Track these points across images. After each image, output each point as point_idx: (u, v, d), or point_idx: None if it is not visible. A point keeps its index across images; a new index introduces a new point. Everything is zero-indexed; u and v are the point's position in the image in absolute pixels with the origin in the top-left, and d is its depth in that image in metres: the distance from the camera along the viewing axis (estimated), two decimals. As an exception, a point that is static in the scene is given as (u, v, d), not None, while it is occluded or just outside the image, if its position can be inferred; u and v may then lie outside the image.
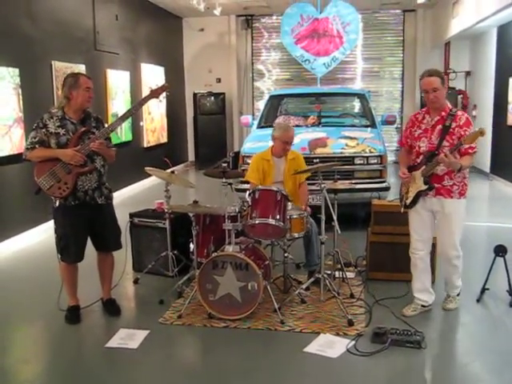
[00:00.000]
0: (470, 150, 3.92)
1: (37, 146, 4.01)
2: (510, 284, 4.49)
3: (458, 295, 4.32)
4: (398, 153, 4.50)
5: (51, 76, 7.19)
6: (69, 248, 4.13)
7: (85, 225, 4.15)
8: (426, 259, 4.25)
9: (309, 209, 4.69)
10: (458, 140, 3.88)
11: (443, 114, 3.98)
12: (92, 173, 4.08)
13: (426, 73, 4.00)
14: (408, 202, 4.15)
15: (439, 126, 3.97)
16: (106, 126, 4.17)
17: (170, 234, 4.96)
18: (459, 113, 3.98)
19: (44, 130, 4.01)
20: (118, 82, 9.40)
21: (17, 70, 6.39)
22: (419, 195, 4.08)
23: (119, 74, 9.52)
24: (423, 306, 4.28)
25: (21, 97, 6.45)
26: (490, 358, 3.59)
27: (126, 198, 9.11)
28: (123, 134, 9.44)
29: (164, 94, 4.31)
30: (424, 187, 4.04)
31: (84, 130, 4.04)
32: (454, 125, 3.93)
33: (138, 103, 4.39)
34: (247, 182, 5.28)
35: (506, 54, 9.88)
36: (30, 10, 6.85)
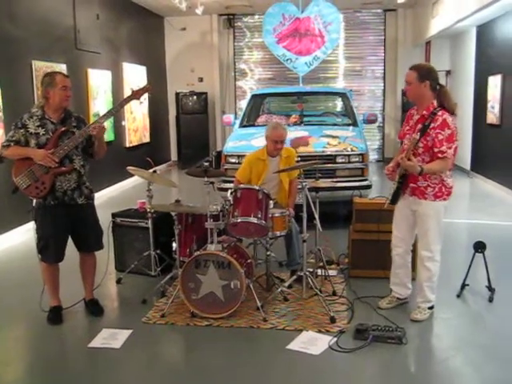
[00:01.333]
0: (439, 155, 3.81)
1: (12, 144, 4.01)
2: (489, 280, 4.56)
3: (429, 308, 4.15)
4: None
5: (31, 75, 7.13)
6: (48, 248, 4.11)
7: (65, 225, 4.13)
8: (404, 256, 4.26)
9: (292, 211, 4.69)
10: (432, 142, 3.83)
11: (425, 112, 3.90)
12: (71, 173, 4.05)
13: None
14: (390, 198, 4.14)
15: (419, 125, 3.92)
16: (83, 128, 4.13)
17: (152, 233, 4.96)
18: (439, 113, 3.84)
19: (22, 131, 3.99)
20: (99, 81, 9.34)
21: (-4, 70, 6.33)
22: (397, 193, 4.07)
23: (100, 73, 9.46)
24: (398, 298, 4.34)
25: (0, 96, 6.39)
26: (470, 353, 3.65)
27: (109, 198, 9.08)
28: (105, 133, 9.36)
29: (145, 96, 4.29)
30: (395, 186, 4.04)
31: (63, 130, 4.01)
32: (432, 125, 3.83)
33: (118, 104, 4.37)
34: (230, 181, 5.28)
35: (486, 53, 10.01)
36: (9, 9, 6.79)
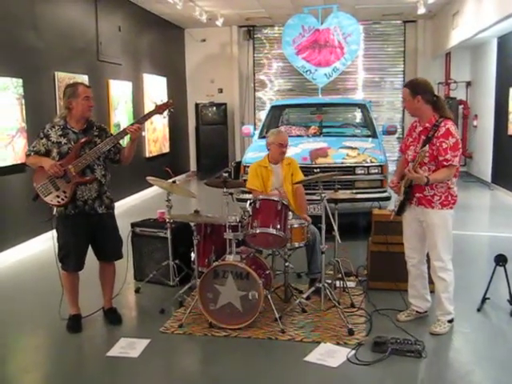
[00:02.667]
0: (444, 163, 3.86)
1: (32, 153, 4.09)
2: (510, 293, 4.50)
3: (449, 322, 4.11)
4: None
5: (54, 86, 7.24)
6: (69, 257, 4.16)
7: (85, 234, 4.17)
8: (419, 266, 4.24)
9: (308, 218, 4.71)
10: (437, 151, 3.87)
11: (427, 125, 3.97)
12: (92, 183, 4.10)
13: None
14: (396, 210, 4.18)
15: (423, 137, 3.98)
16: (110, 136, 4.19)
17: (171, 243, 4.98)
18: (443, 123, 3.90)
19: (44, 140, 4.06)
20: (120, 92, 9.46)
21: (20, 81, 6.44)
22: (403, 204, 4.10)
23: (122, 84, 9.58)
24: (418, 312, 4.31)
25: (24, 107, 6.50)
26: (489, 368, 3.59)
27: (128, 208, 9.14)
28: (124, 144, 9.46)
29: (167, 111, 4.32)
30: (402, 197, 4.08)
31: (85, 140, 4.07)
32: (436, 135, 3.89)
33: (142, 118, 4.35)
34: (249, 192, 5.31)
35: (507, 64, 9.93)
36: (34, 22, 6.92)
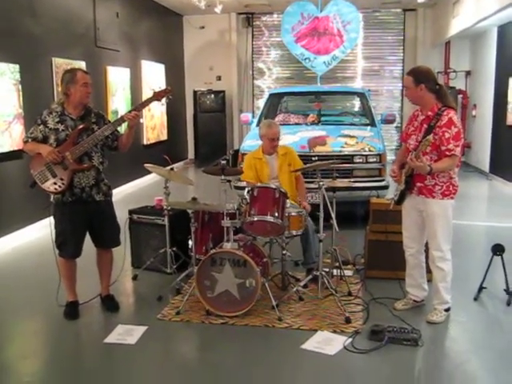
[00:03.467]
0: (447, 153, 3.84)
1: (29, 140, 4.07)
2: (507, 283, 4.51)
3: (446, 311, 4.13)
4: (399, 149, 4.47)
5: (51, 72, 7.20)
6: (66, 244, 4.15)
7: (83, 221, 4.16)
8: (417, 256, 4.25)
9: (308, 206, 4.71)
10: (439, 140, 3.85)
11: (430, 113, 3.94)
12: (89, 170, 4.08)
13: None
14: (396, 199, 4.18)
15: (425, 125, 3.96)
16: (109, 123, 4.17)
17: (168, 230, 4.98)
18: (445, 112, 3.88)
19: (41, 127, 4.03)
20: (118, 78, 9.41)
21: (17, 66, 6.40)
22: (404, 193, 4.09)
23: (119, 70, 9.53)
24: (415, 301, 4.32)
25: (21, 93, 6.46)
26: (486, 357, 3.61)
27: (126, 195, 9.13)
28: (122, 131, 9.42)
29: (166, 98, 4.29)
30: (403, 187, 4.07)
31: (83, 127, 4.04)
32: (438, 124, 3.86)
33: (140, 105, 4.33)
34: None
35: (506, 54, 9.89)
36: (31, 7, 6.86)
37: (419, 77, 3.95)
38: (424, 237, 4.20)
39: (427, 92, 3.94)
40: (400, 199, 4.14)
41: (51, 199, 4.14)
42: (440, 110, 3.91)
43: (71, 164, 3.99)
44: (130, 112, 4.14)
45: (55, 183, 4.01)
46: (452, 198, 3.99)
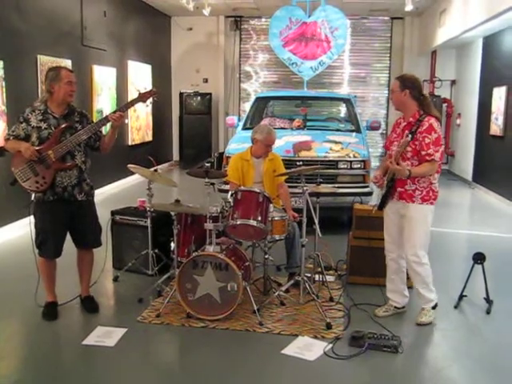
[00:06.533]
0: (427, 157, 3.91)
1: (11, 138, 4.02)
2: (487, 291, 4.55)
3: (433, 308, 4.20)
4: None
5: (36, 70, 7.12)
6: (47, 243, 4.10)
7: (64, 220, 4.11)
8: (398, 261, 4.26)
9: (296, 215, 4.69)
10: (419, 146, 3.91)
11: (411, 119, 4.02)
12: (72, 169, 4.04)
13: None
14: (378, 204, 4.20)
15: (406, 131, 4.01)
16: (92, 123, 4.12)
17: (151, 232, 4.94)
18: (426, 119, 3.96)
19: (24, 125, 3.99)
20: (104, 78, 9.34)
21: (1, 63, 6.32)
22: (385, 198, 4.13)
23: (105, 70, 9.46)
24: (396, 307, 4.33)
25: (4, 90, 6.39)
26: (465, 364, 3.63)
27: (109, 196, 9.07)
28: (106, 131, 9.37)
29: (151, 99, 4.27)
30: (384, 191, 4.11)
31: (66, 126, 4.00)
32: (419, 130, 3.93)
33: (124, 105, 4.29)
34: (228, 183, 5.29)
35: (491, 65, 10.01)
36: (17, 3, 6.78)
37: (406, 82, 4.03)
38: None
39: (410, 98, 4.02)
40: (382, 204, 4.17)
41: (32, 198, 4.09)
42: (421, 116, 3.99)
43: (54, 163, 3.95)
44: (114, 112, 4.10)
45: (37, 182, 3.96)
46: (432, 203, 4.04)
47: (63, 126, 3.99)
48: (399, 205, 4.09)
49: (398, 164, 3.92)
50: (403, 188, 4.03)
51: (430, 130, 3.92)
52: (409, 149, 3.94)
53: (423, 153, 3.91)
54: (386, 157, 4.33)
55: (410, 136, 3.89)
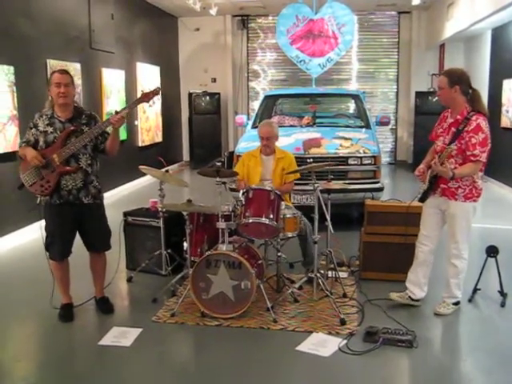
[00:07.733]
0: (471, 158, 3.90)
1: (23, 144, 4.08)
2: (501, 284, 4.53)
3: (454, 304, 4.24)
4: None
5: (46, 74, 7.16)
6: (54, 245, 4.16)
7: (71, 224, 4.15)
8: (428, 255, 4.27)
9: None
10: (465, 145, 3.89)
11: (459, 117, 3.98)
12: (77, 172, 4.06)
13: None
14: (419, 197, 4.21)
15: (453, 129, 3.99)
16: (98, 124, 4.13)
17: (163, 232, 4.97)
18: (474, 117, 3.91)
19: (33, 130, 4.05)
20: (113, 80, 9.39)
21: (12, 68, 6.38)
22: (427, 193, 4.13)
23: (114, 72, 9.51)
24: (410, 297, 4.33)
25: (15, 94, 6.44)
26: (480, 358, 3.62)
27: (121, 197, 9.11)
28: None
29: (154, 98, 4.27)
30: (426, 186, 4.11)
31: (71, 130, 4.03)
32: (466, 129, 3.90)
33: (128, 106, 4.29)
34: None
35: (500, 57, 9.93)
36: (26, 9, 6.84)
37: (454, 78, 3.96)
38: (438, 237, 4.25)
39: (460, 94, 3.96)
40: (423, 198, 4.18)
41: (37, 201, 4.13)
42: (469, 114, 3.94)
43: (58, 166, 3.98)
44: (116, 114, 4.08)
45: (42, 185, 4.01)
46: (475, 200, 4.05)
47: (69, 129, 4.01)
48: (440, 200, 4.10)
49: (441, 164, 3.88)
50: (446, 185, 4.03)
51: (477, 129, 3.88)
52: (454, 147, 3.91)
53: (468, 153, 3.89)
54: (431, 149, 4.29)
55: (454, 145, 3.87)
